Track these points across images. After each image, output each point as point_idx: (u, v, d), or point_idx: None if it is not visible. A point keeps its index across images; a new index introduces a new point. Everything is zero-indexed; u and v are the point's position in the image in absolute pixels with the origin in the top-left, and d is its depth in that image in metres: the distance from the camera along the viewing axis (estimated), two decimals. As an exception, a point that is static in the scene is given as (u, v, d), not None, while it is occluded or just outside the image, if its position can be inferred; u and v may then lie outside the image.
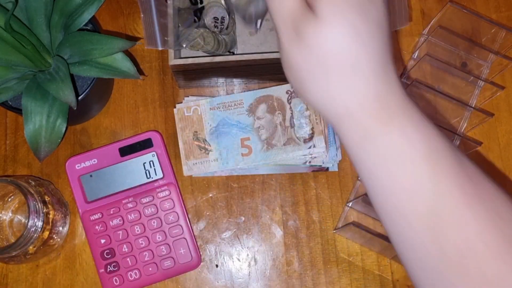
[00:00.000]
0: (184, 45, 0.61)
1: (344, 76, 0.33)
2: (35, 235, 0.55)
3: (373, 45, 0.33)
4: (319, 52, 0.33)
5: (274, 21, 0.35)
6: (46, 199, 0.57)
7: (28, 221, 0.54)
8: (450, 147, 0.34)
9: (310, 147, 0.61)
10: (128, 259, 0.59)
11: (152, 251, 0.59)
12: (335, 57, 0.33)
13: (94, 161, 0.61)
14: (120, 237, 0.59)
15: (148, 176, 0.61)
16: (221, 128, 0.62)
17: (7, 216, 0.61)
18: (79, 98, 0.56)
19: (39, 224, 0.55)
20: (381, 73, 0.34)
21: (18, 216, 0.61)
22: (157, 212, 0.60)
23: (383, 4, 0.34)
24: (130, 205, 0.60)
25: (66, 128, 0.54)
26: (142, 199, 0.60)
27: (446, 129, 0.61)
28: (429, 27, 0.68)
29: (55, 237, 0.59)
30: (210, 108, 0.62)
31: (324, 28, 0.32)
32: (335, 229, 0.62)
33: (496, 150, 0.65)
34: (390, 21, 0.35)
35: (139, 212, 0.60)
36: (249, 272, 0.61)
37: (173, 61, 0.57)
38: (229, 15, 0.64)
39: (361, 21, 0.33)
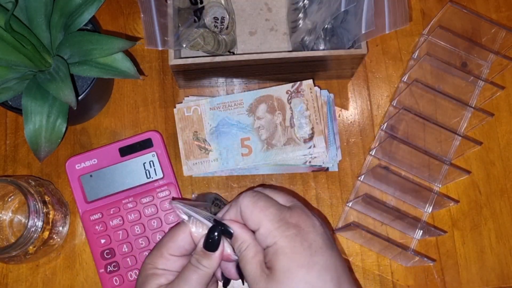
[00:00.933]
0: (184, 45, 0.61)
1: None
2: (35, 235, 0.55)
3: (329, 285, 0.39)
4: None
5: (246, 276, 0.42)
6: (46, 199, 0.57)
7: (28, 221, 0.54)
8: None
9: (310, 147, 0.60)
10: (128, 259, 0.59)
11: (152, 251, 0.59)
12: None
13: (94, 161, 0.61)
14: (120, 237, 0.59)
15: (148, 176, 0.61)
16: (221, 128, 0.62)
17: (7, 216, 0.61)
18: (79, 98, 0.56)
19: (39, 224, 0.55)
20: None
21: (18, 216, 0.61)
22: (157, 212, 0.60)
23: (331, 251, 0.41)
24: (130, 205, 0.60)
25: (66, 128, 0.54)
26: (142, 199, 0.60)
27: (446, 129, 0.61)
28: (429, 27, 0.68)
29: (55, 237, 0.59)
30: (210, 108, 0.62)
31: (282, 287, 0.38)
32: (335, 229, 0.62)
33: (496, 150, 0.65)
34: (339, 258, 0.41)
35: (139, 212, 0.60)
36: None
37: (173, 61, 0.57)
38: (229, 15, 0.64)
39: (316, 277, 0.39)
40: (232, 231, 0.42)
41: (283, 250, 0.39)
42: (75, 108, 0.51)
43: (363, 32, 0.56)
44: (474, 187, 0.64)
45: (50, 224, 0.57)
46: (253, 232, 0.42)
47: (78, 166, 0.60)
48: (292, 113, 0.62)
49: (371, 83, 0.67)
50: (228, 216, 0.43)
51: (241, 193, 0.44)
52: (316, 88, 0.62)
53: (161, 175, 0.61)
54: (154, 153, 0.61)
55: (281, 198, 0.44)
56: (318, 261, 0.39)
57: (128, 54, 0.62)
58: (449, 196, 0.63)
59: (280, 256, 0.39)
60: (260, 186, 0.55)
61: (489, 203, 0.63)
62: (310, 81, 0.62)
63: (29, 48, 0.52)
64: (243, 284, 0.47)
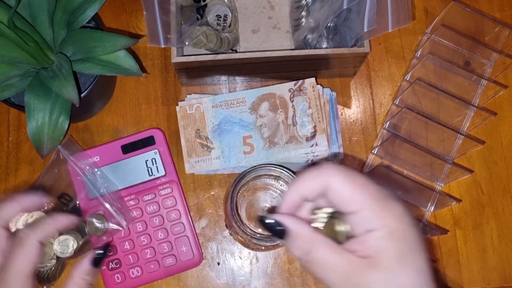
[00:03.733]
0: (186, 43, 0.61)
1: None
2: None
3: (428, 272, 0.33)
4: None
5: (327, 279, 0.34)
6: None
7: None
8: None
9: (312, 145, 0.60)
10: (130, 256, 0.59)
11: (154, 248, 0.60)
12: None
13: (97, 158, 0.61)
14: (122, 234, 0.59)
15: (150, 174, 0.61)
16: (223, 126, 0.62)
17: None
18: (82, 95, 0.56)
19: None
20: None
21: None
22: (159, 209, 0.60)
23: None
24: (132, 203, 0.60)
25: (69, 125, 0.54)
26: (144, 197, 0.60)
27: (449, 128, 0.61)
28: (432, 25, 0.68)
29: None
30: (213, 106, 0.62)
31: (392, 274, 0.32)
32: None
33: (498, 149, 0.65)
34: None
35: (141, 209, 0.60)
36: (251, 270, 0.61)
37: (175, 59, 0.57)
38: (231, 13, 0.64)
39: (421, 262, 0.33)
40: (285, 226, 0.34)
41: (394, 233, 0.33)
42: (77, 105, 0.51)
43: (365, 30, 0.56)
44: (476, 186, 0.64)
45: None
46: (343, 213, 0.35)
47: (80, 163, 0.60)
48: (294, 111, 0.62)
49: (374, 82, 0.67)
50: (299, 192, 0.36)
51: (310, 165, 0.39)
52: (319, 86, 0.62)
53: (163, 173, 0.61)
54: (156, 150, 0.61)
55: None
56: (423, 247, 0.33)
57: (131, 52, 0.62)
58: (451, 195, 0.63)
59: (392, 241, 0.33)
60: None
61: (492, 203, 0.63)
62: (313, 79, 0.62)
63: (32, 45, 0.52)
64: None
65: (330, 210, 0.36)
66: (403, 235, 0.33)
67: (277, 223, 0.35)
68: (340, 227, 0.35)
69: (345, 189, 0.34)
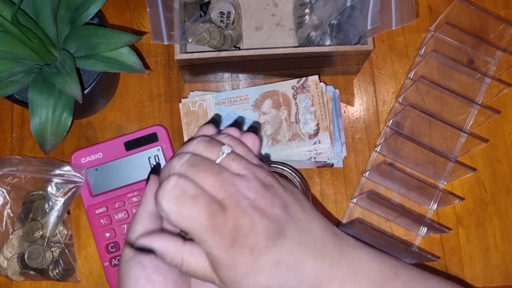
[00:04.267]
0: (190, 40, 0.61)
1: None
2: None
3: (286, 276, 0.35)
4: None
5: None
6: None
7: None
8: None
9: (315, 143, 0.60)
10: (132, 252, 0.59)
11: (156, 245, 0.60)
12: None
13: (100, 155, 0.61)
14: (125, 231, 0.59)
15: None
16: (226, 123, 0.62)
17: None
18: (85, 92, 0.56)
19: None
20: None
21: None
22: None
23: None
24: (135, 199, 0.60)
25: (72, 121, 0.54)
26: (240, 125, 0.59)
27: (452, 126, 0.61)
28: (436, 23, 0.68)
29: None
30: (216, 103, 0.62)
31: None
32: (338, 226, 0.62)
33: (502, 148, 0.65)
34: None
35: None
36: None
37: (179, 56, 0.57)
38: (235, 10, 0.64)
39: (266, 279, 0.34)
40: (153, 249, 0.36)
41: (222, 262, 0.34)
42: (81, 102, 0.51)
43: (369, 27, 0.55)
44: (479, 185, 0.64)
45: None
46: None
47: (83, 160, 0.61)
48: (297, 109, 0.61)
49: (377, 79, 0.67)
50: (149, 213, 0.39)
51: (154, 168, 0.41)
52: (322, 84, 0.62)
53: (166, 170, 0.61)
54: (159, 147, 0.61)
55: (212, 181, 0.35)
56: (265, 263, 0.34)
57: (134, 49, 0.62)
58: (454, 193, 0.63)
59: (221, 269, 0.34)
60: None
61: (495, 201, 0.63)
62: (316, 77, 0.62)
63: (36, 42, 0.52)
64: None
65: None
66: (231, 265, 0.34)
67: (143, 245, 0.36)
68: None
69: (173, 220, 0.34)
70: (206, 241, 0.34)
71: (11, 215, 0.59)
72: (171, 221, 0.34)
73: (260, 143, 0.42)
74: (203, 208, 0.34)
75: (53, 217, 0.58)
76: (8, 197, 0.59)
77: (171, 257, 0.35)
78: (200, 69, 0.61)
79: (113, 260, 0.59)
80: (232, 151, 0.37)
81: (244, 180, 0.36)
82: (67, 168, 0.59)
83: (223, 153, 0.37)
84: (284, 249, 0.35)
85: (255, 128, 0.43)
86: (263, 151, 0.61)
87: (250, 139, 0.41)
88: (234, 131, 0.42)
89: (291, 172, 0.56)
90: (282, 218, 0.35)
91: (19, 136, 0.64)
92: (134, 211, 0.60)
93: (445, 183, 0.63)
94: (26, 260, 0.57)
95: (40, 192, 0.59)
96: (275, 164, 0.52)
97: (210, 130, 0.42)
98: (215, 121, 0.44)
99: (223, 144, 0.38)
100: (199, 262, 0.35)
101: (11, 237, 0.58)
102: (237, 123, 0.47)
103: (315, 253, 0.35)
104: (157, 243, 0.36)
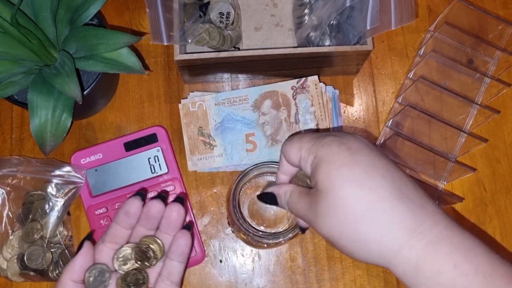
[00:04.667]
0: (189, 40, 0.61)
1: (375, 225, 0.35)
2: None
3: (383, 187, 0.35)
4: (342, 216, 0.36)
5: (301, 214, 0.41)
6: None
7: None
8: (501, 264, 0.34)
9: (315, 143, 0.60)
10: (132, 253, 0.59)
11: (156, 245, 0.60)
12: (356, 215, 0.35)
13: (99, 155, 0.61)
14: (125, 231, 0.59)
15: (153, 171, 0.61)
16: (226, 123, 0.62)
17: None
18: (85, 92, 0.56)
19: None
20: (407, 206, 0.35)
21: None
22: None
23: (370, 150, 0.38)
24: (134, 200, 0.60)
25: (72, 122, 0.54)
26: (147, 194, 0.60)
27: (452, 126, 0.61)
28: (435, 23, 0.68)
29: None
30: (215, 104, 0.62)
31: (328, 196, 0.37)
32: None
33: (502, 148, 0.65)
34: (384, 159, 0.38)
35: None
36: (253, 268, 0.61)
37: (178, 56, 0.57)
38: (234, 11, 0.64)
39: (361, 173, 0.36)
40: (271, 192, 0.43)
41: (321, 158, 0.37)
42: (80, 103, 0.51)
43: (368, 28, 0.56)
44: (479, 185, 0.64)
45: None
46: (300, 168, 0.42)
47: (83, 161, 0.61)
48: (297, 109, 0.62)
49: (377, 80, 0.67)
50: (281, 172, 0.45)
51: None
52: (321, 84, 0.62)
53: (166, 170, 0.61)
54: (159, 148, 0.61)
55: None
56: (362, 159, 0.36)
57: (134, 49, 0.62)
58: (454, 193, 0.63)
59: (319, 164, 0.37)
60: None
61: (494, 201, 0.63)
62: (315, 77, 0.62)
63: (35, 43, 0.52)
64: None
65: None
66: (329, 158, 0.37)
67: (268, 194, 0.44)
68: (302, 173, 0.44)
69: (286, 150, 0.42)
70: (311, 147, 0.39)
71: (11, 216, 0.59)
72: (286, 153, 0.42)
73: (184, 213, 0.51)
74: (307, 133, 0.42)
75: (53, 218, 0.58)
76: (7, 198, 0.59)
77: (283, 193, 0.43)
78: (199, 70, 0.61)
79: (113, 261, 0.59)
80: None
81: None
82: (67, 168, 0.59)
83: None
84: (382, 161, 0.37)
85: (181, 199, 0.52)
86: (263, 152, 0.61)
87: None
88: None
89: None
90: (377, 149, 0.39)
91: (19, 137, 0.64)
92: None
93: (445, 183, 0.63)
94: (26, 261, 0.57)
95: (40, 192, 0.59)
96: (275, 163, 0.52)
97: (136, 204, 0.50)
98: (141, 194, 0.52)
99: None
100: (300, 194, 0.41)
101: (10, 238, 0.58)
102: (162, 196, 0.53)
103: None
104: (274, 188, 0.44)
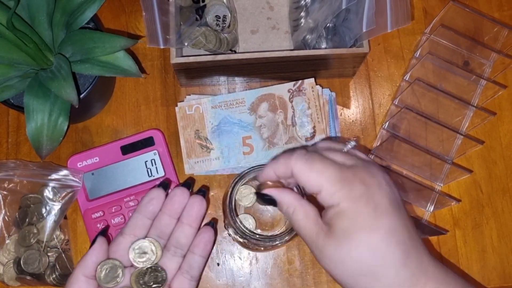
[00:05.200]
0: (186, 44, 0.61)
1: (378, 286, 0.37)
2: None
3: (394, 254, 0.37)
4: (349, 269, 0.38)
5: (301, 235, 0.41)
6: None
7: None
8: None
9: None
10: (129, 257, 0.59)
11: (153, 249, 0.59)
12: (362, 274, 0.38)
13: (96, 159, 0.61)
14: (122, 235, 0.59)
15: (150, 175, 0.61)
16: (222, 126, 0.62)
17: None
18: (81, 96, 0.56)
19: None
20: (409, 271, 0.38)
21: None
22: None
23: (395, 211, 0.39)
24: (131, 204, 0.60)
25: (68, 126, 0.54)
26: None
27: (448, 128, 0.61)
28: (431, 25, 0.68)
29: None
30: (212, 107, 0.62)
31: (341, 248, 0.38)
32: None
33: (498, 149, 0.65)
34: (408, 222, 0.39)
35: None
36: (250, 271, 0.61)
37: (175, 60, 0.57)
38: (230, 14, 0.64)
39: (379, 241, 0.37)
40: (274, 197, 0.42)
41: (345, 213, 0.38)
42: (76, 106, 0.51)
43: (364, 30, 0.56)
44: (476, 186, 0.64)
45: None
46: (312, 195, 0.41)
47: (80, 164, 0.60)
48: (293, 112, 0.62)
49: (373, 82, 0.67)
50: (273, 171, 0.43)
51: (287, 150, 0.44)
52: (318, 86, 0.62)
53: (163, 174, 0.61)
54: (155, 151, 0.61)
55: (339, 157, 0.41)
56: (383, 224, 0.37)
57: (130, 53, 0.62)
58: (450, 195, 0.63)
59: (342, 218, 0.38)
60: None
61: (491, 202, 0.63)
62: (312, 80, 0.62)
63: (31, 46, 0.52)
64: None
65: None
66: (353, 216, 0.37)
67: (268, 195, 0.42)
68: None
69: (303, 176, 0.40)
70: (336, 192, 0.38)
71: (7, 220, 0.59)
72: (301, 180, 0.40)
73: (206, 206, 0.50)
74: (331, 163, 0.39)
75: (50, 222, 0.58)
76: (4, 202, 0.59)
77: (287, 205, 0.41)
78: (196, 73, 0.61)
79: (110, 264, 0.59)
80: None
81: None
82: (64, 172, 0.59)
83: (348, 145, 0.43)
84: (400, 222, 0.38)
85: (203, 192, 0.51)
86: (260, 155, 0.61)
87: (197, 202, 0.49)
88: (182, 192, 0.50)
89: None
90: (398, 199, 0.40)
91: (15, 141, 0.64)
92: (130, 215, 0.60)
93: (442, 185, 0.63)
94: (22, 265, 0.57)
95: (36, 195, 0.59)
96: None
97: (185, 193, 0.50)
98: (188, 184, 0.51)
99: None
100: (307, 215, 0.40)
101: (7, 242, 0.58)
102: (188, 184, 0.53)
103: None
104: (277, 194, 0.42)
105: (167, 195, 0.50)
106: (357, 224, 0.37)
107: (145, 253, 0.48)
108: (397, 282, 0.37)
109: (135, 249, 0.48)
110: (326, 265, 0.39)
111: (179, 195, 0.50)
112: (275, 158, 0.43)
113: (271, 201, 0.42)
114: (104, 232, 0.49)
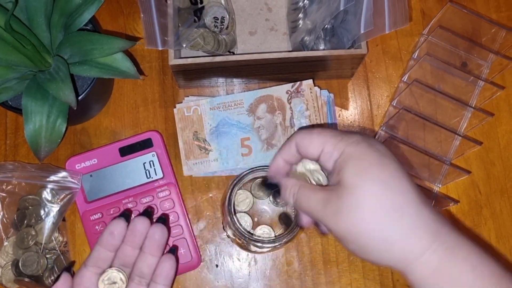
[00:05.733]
0: (184, 45, 0.61)
1: (401, 226, 0.35)
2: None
3: (410, 192, 0.36)
4: (368, 213, 0.36)
5: (311, 209, 0.40)
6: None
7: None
8: (505, 269, 0.37)
9: (310, 147, 0.60)
10: (128, 259, 0.59)
11: (152, 251, 0.59)
12: (384, 214, 0.36)
13: (94, 161, 0.61)
14: (120, 237, 0.59)
15: (148, 176, 0.61)
16: (221, 128, 0.62)
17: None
18: (79, 98, 0.56)
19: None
20: (430, 211, 0.36)
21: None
22: (157, 212, 0.60)
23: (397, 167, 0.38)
24: (130, 205, 0.60)
25: (66, 128, 0.54)
26: (142, 199, 0.60)
27: (446, 129, 0.61)
28: (429, 27, 0.68)
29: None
30: (210, 108, 0.62)
31: (357, 192, 0.36)
32: None
33: (496, 150, 0.65)
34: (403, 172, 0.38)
35: (139, 212, 0.60)
36: (249, 272, 0.61)
37: (173, 61, 0.57)
38: (229, 15, 0.64)
39: (390, 176, 0.37)
40: (278, 182, 0.43)
41: (351, 154, 0.37)
42: (75, 108, 0.51)
43: (362, 31, 0.56)
44: (474, 187, 0.64)
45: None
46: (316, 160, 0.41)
47: (78, 166, 0.60)
48: (292, 113, 0.62)
49: (371, 83, 0.67)
50: (281, 157, 0.44)
51: (288, 138, 0.44)
52: (316, 88, 0.62)
53: (161, 175, 0.61)
54: (154, 153, 0.61)
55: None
56: (390, 162, 0.37)
57: (128, 54, 0.62)
58: (449, 196, 0.63)
59: (350, 160, 0.37)
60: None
61: (489, 203, 0.63)
62: (310, 81, 0.62)
63: (29, 48, 0.52)
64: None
65: (307, 161, 0.43)
66: (359, 155, 0.37)
67: (274, 183, 0.44)
68: (310, 166, 0.43)
69: (305, 139, 0.41)
70: (338, 142, 0.38)
71: (5, 221, 0.59)
72: (304, 143, 0.41)
73: (168, 234, 0.52)
74: (329, 129, 0.41)
75: (48, 223, 0.58)
76: (2, 204, 0.59)
77: (291, 185, 0.41)
78: (194, 74, 0.61)
79: (109, 266, 0.59)
80: None
81: None
82: (63, 174, 0.59)
83: None
84: (404, 171, 0.37)
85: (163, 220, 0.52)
86: (259, 156, 0.61)
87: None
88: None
89: None
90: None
91: (13, 143, 0.64)
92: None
93: (440, 185, 0.63)
94: (20, 267, 0.56)
95: (34, 196, 0.59)
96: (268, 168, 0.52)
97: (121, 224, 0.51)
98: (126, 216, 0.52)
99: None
100: (313, 188, 0.40)
101: (5, 244, 0.58)
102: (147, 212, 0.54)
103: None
104: (281, 179, 0.43)
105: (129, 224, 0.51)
106: (366, 161, 0.37)
107: (114, 283, 0.49)
108: (421, 223, 0.35)
109: (105, 280, 0.49)
110: (344, 222, 0.37)
111: (140, 225, 0.51)
112: (279, 149, 0.45)
113: (275, 186, 0.43)
114: (69, 268, 0.51)
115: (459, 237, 0.36)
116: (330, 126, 0.63)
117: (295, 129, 0.61)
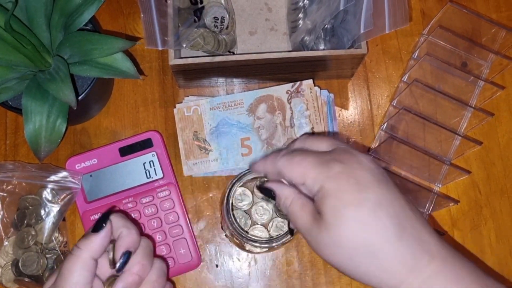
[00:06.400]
0: (184, 45, 0.61)
1: (376, 264, 0.36)
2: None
3: (387, 229, 0.36)
4: (345, 252, 0.37)
5: (298, 227, 0.41)
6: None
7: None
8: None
9: (310, 147, 0.60)
10: (128, 259, 0.59)
11: (152, 251, 0.59)
12: (360, 254, 0.37)
13: (94, 161, 0.61)
14: (120, 237, 0.59)
15: (148, 176, 0.61)
16: (221, 128, 0.62)
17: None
18: (79, 98, 0.56)
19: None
20: (407, 245, 0.36)
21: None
22: (157, 212, 0.60)
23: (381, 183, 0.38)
24: (130, 205, 0.60)
25: (66, 128, 0.54)
26: (142, 199, 0.60)
27: (446, 129, 0.61)
28: (429, 27, 0.68)
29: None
30: (210, 108, 0.62)
31: (333, 231, 0.37)
32: None
33: (496, 150, 0.65)
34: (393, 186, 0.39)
35: (139, 212, 0.60)
36: (249, 272, 0.61)
37: (173, 61, 0.57)
38: (229, 15, 0.64)
39: (367, 214, 0.36)
40: (273, 190, 0.42)
41: (329, 192, 0.37)
42: (75, 108, 0.51)
43: (362, 31, 0.56)
44: (474, 187, 0.64)
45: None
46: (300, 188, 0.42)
47: (78, 166, 0.60)
48: (292, 113, 0.62)
49: (371, 83, 0.67)
50: (263, 168, 0.44)
51: (275, 150, 0.44)
52: (316, 88, 0.62)
53: (161, 175, 0.61)
54: (154, 153, 0.61)
55: (323, 144, 0.42)
56: (369, 197, 0.37)
57: (128, 54, 0.62)
58: (449, 196, 0.63)
59: (328, 198, 0.37)
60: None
61: (489, 203, 0.63)
62: (310, 81, 0.62)
63: (29, 48, 0.52)
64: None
65: None
66: (336, 194, 0.37)
67: (268, 188, 0.43)
68: None
69: (286, 171, 0.41)
70: (316, 175, 0.38)
71: (5, 221, 0.59)
72: (286, 175, 0.41)
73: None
74: (310, 153, 0.41)
75: (49, 223, 0.58)
76: (2, 204, 0.59)
77: (285, 197, 0.41)
78: (194, 74, 0.61)
79: (109, 266, 0.59)
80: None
81: None
82: (63, 174, 0.59)
83: None
84: (388, 196, 0.37)
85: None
86: (259, 156, 0.61)
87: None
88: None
89: None
90: (384, 176, 0.39)
91: (13, 143, 0.64)
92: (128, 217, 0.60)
93: (440, 185, 0.63)
94: (20, 267, 0.56)
95: (34, 196, 0.59)
96: None
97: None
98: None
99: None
100: (303, 207, 0.40)
101: (5, 244, 0.58)
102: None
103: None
104: (276, 187, 0.42)
105: None
106: (342, 201, 0.37)
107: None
108: (396, 260, 0.36)
109: None
110: (324, 255, 0.39)
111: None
112: (266, 156, 0.44)
113: (271, 194, 0.43)
114: (109, 213, 0.46)
115: (440, 265, 0.36)
116: (330, 134, 0.63)
117: (295, 129, 0.61)
